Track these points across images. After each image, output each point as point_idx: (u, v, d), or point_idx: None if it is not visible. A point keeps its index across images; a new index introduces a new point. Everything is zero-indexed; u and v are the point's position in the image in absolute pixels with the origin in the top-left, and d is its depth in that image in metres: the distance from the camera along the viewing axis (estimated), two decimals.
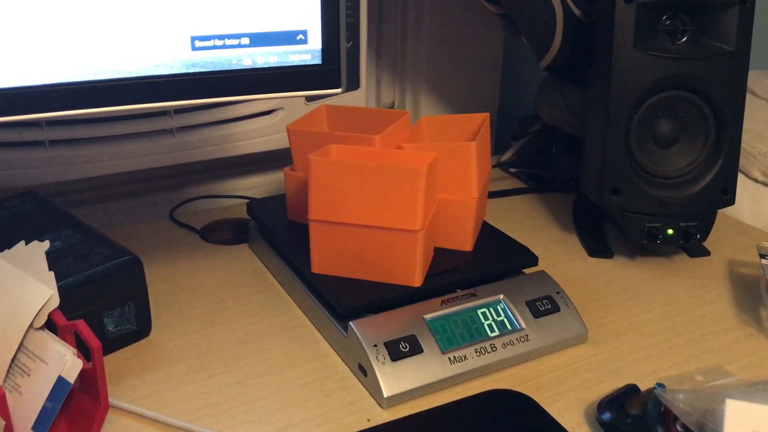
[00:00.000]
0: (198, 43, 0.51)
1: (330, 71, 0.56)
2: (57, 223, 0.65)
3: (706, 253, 0.80)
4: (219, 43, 0.52)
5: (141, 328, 0.63)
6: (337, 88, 0.58)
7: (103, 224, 0.70)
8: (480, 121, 0.73)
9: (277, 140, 0.93)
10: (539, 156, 1.00)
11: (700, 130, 0.76)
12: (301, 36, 0.54)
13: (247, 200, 0.90)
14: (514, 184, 0.99)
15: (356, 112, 0.75)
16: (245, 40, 0.52)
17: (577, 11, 0.81)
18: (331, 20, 0.54)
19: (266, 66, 0.54)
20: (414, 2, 0.99)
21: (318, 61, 0.56)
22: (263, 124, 0.91)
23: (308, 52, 0.55)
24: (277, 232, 0.73)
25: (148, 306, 0.63)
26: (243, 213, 0.86)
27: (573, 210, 0.90)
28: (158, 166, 0.86)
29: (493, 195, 0.93)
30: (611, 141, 0.74)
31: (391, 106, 1.08)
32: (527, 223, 0.88)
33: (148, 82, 0.50)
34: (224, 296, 0.71)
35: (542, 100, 0.99)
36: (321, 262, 0.64)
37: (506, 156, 1.03)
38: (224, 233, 0.84)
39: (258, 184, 0.95)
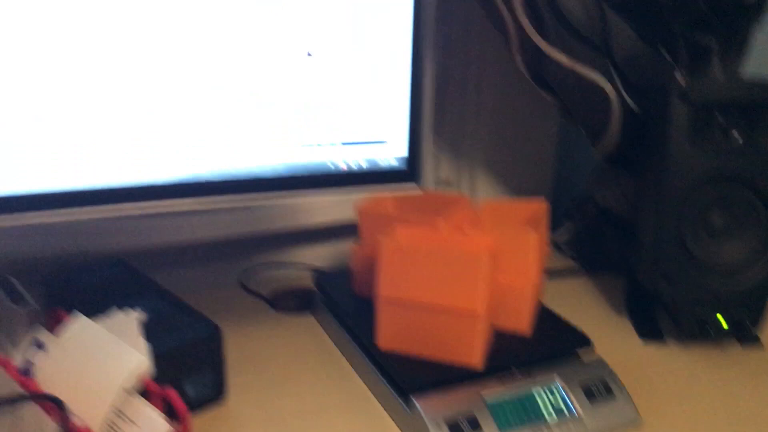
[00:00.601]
0: (302, 150, 0.57)
1: (410, 172, 0.62)
2: (144, 291, 0.70)
3: (758, 342, 0.82)
4: (319, 149, 0.58)
5: (217, 393, 0.67)
6: (415, 185, 0.63)
7: (175, 288, 0.75)
8: (537, 207, 0.77)
9: (339, 213, 0.98)
10: (592, 237, 1.03)
11: (752, 222, 0.78)
12: (387, 144, 0.60)
13: (312, 269, 0.95)
14: (566, 263, 1.02)
15: (420, 195, 0.80)
16: (341, 147, 0.59)
17: (632, 104, 0.85)
18: (415, 132, 0.60)
19: (358, 169, 0.60)
20: (473, 84, 1.04)
21: (401, 164, 0.61)
22: (329, 198, 0.96)
23: (394, 158, 0.61)
24: (343, 305, 0.77)
25: (225, 372, 0.67)
26: (306, 281, 0.91)
27: (625, 293, 0.93)
28: (230, 235, 0.92)
29: (546, 274, 0.96)
30: (664, 231, 0.77)
31: (448, 182, 1.13)
32: (579, 303, 0.90)
33: (257, 181, 0.57)
34: (291, 365, 0.75)
35: (596, 183, 1.03)
36: (386, 338, 0.68)
37: (559, 235, 1.06)
38: (290, 301, 0.88)
39: (320, 254, 1.00)
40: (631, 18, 0.84)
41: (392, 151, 0.62)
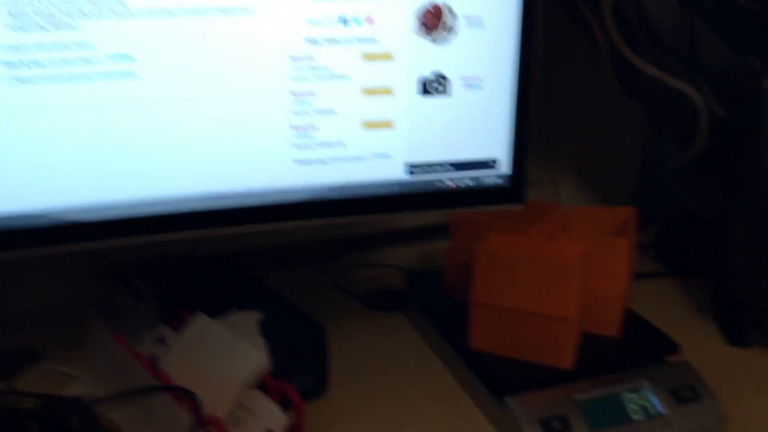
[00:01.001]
0: (412, 170, 0.62)
1: (514, 190, 0.66)
2: (253, 291, 0.76)
3: None
4: (429, 169, 0.62)
5: (321, 388, 0.72)
6: (521, 203, 0.66)
7: (276, 287, 0.80)
8: (624, 214, 0.80)
9: (424, 217, 1.02)
10: (677, 241, 1.04)
11: None
12: (493, 163, 0.64)
13: (400, 270, 1.00)
14: (651, 266, 1.04)
15: None
16: (449, 167, 0.63)
17: (721, 112, 0.86)
18: (518, 152, 0.63)
19: (464, 187, 0.64)
20: (559, 90, 1.07)
21: (505, 183, 0.65)
22: None
23: (498, 176, 0.64)
24: (435, 306, 0.81)
25: (328, 369, 0.72)
26: (396, 281, 0.95)
27: (711, 297, 0.94)
28: (328, 237, 0.97)
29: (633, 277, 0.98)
30: (754, 237, 0.78)
31: (530, 184, 1.15)
32: (665, 307, 0.92)
33: (373, 200, 0.62)
34: (387, 362, 0.79)
35: (682, 187, 1.04)
36: (480, 339, 0.71)
37: (644, 238, 1.08)
38: (382, 300, 0.93)
39: (409, 254, 1.04)
40: (721, 27, 0.84)
41: (497, 169, 0.66)
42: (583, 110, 1.08)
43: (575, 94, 1.06)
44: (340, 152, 0.61)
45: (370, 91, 0.59)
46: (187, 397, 0.58)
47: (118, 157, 0.57)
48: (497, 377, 0.68)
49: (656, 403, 0.68)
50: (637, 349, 0.73)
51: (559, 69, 1.06)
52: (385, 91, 0.59)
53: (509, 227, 0.75)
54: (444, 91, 0.61)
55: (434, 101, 0.61)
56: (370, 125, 0.60)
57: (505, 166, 0.65)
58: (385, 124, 0.60)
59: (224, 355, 0.62)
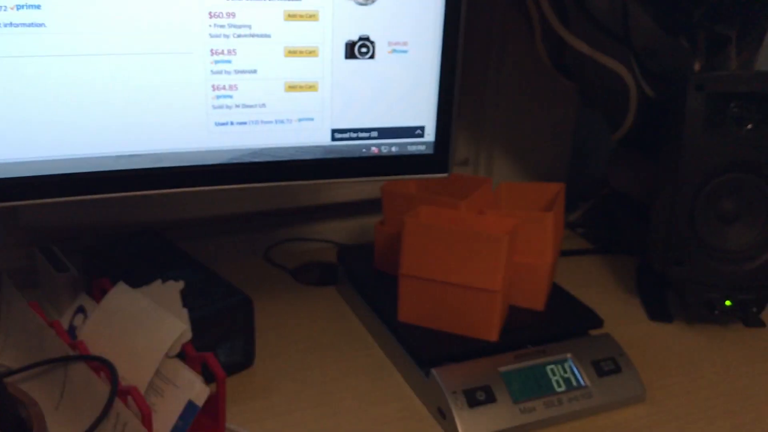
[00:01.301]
0: (337, 135, 0.61)
1: (440, 159, 0.65)
2: (179, 261, 0.74)
3: (762, 324, 0.85)
4: (353, 135, 0.61)
5: (246, 360, 0.71)
6: (445, 173, 0.66)
7: (204, 259, 0.79)
8: (555, 190, 0.81)
9: (362, 191, 1.02)
10: (606, 219, 1.06)
11: (761, 210, 0.81)
12: (419, 131, 0.63)
13: (333, 244, 0.99)
14: (580, 244, 1.06)
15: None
16: (374, 134, 0.62)
17: (650, 92, 0.88)
18: (444, 119, 0.63)
19: (389, 155, 0.63)
20: (494, 67, 1.07)
21: (431, 151, 0.65)
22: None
23: (423, 144, 0.64)
24: (365, 279, 0.81)
25: (254, 341, 0.71)
26: (328, 256, 0.95)
27: (636, 273, 0.96)
28: (257, 210, 0.96)
29: (561, 254, 1.00)
30: (677, 215, 0.80)
31: (465, 162, 1.16)
32: (592, 283, 0.94)
33: (295, 165, 0.61)
34: (315, 334, 0.79)
35: (613, 167, 1.06)
36: (407, 312, 0.71)
37: (574, 216, 1.10)
38: (313, 274, 0.92)
39: (342, 229, 1.04)
40: (652, 8, 0.86)
41: (423, 137, 0.65)
42: (518, 89, 1.08)
43: (511, 72, 1.07)
44: (261, 114, 0.59)
45: (294, 52, 0.57)
46: (103, 366, 0.57)
47: (27, 113, 0.54)
48: (423, 349, 0.68)
49: (578, 375, 0.69)
50: (562, 322, 0.74)
51: (495, 47, 1.06)
52: (310, 53, 0.58)
53: (439, 201, 0.75)
54: (370, 55, 0.60)
55: (360, 65, 0.60)
56: (293, 87, 0.59)
57: (431, 135, 0.65)
58: (309, 87, 0.59)
59: (145, 325, 0.61)
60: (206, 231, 0.96)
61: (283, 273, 0.92)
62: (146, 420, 0.53)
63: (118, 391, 0.55)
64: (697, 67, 0.88)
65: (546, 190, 0.82)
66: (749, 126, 0.80)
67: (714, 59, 0.91)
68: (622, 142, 0.94)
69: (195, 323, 0.64)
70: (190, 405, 0.57)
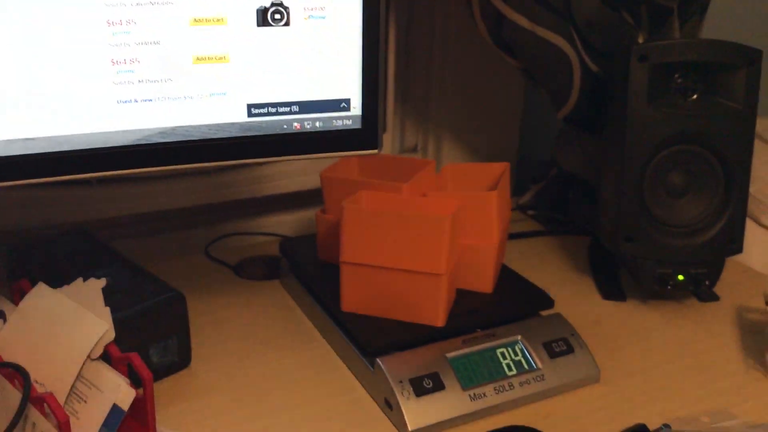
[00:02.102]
0: (254, 111, 0.57)
1: (368, 134, 0.62)
2: (106, 260, 0.70)
3: (716, 298, 0.84)
4: (272, 110, 0.57)
5: (182, 360, 0.67)
6: (374, 149, 0.63)
7: (140, 258, 0.75)
8: (500, 170, 0.78)
9: (305, 181, 0.98)
10: (556, 200, 1.05)
11: (709, 182, 0.80)
12: (344, 104, 0.60)
13: (277, 237, 0.96)
14: (532, 226, 1.03)
15: (385, 160, 0.80)
16: (295, 108, 0.58)
17: (593, 67, 0.86)
18: (370, 90, 0.60)
19: (312, 131, 0.59)
20: (439, 50, 1.05)
21: (358, 125, 0.61)
22: (292, 167, 0.96)
23: (350, 118, 0.61)
24: (308, 270, 0.78)
25: (189, 339, 0.68)
26: (273, 250, 0.91)
27: (588, 253, 0.95)
28: (195, 205, 0.92)
29: (511, 237, 0.98)
30: (625, 191, 0.78)
31: (414, 149, 1.13)
32: (544, 264, 0.92)
33: (209, 144, 0.56)
34: (257, 330, 0.75)
35: (560, 147, 1.04)
36: (350, 301, 0.68)
37: (524, 199, 1.08)
38: (256, 269, 0.88)
39: (286, 222, 1.00)
40: None
41: (348, 111, 0.62)
42: (464, 71, 1.06)
43: (457, 54, 1.04)
44: (168, 90, 0.55)
45: (200, 21, 0.53)
46: (16, 373, 0.53)
47: None
48: (368, 339, 0.65)
49: (530, 358, 0.66)
50: (511, 304, 0.72)
51: (438, 25, 1.03)
52: (217, 21, 0.54)
53: (381, 185, 0.72)
54: (285, 22, 0.56)
55: (274, 33, 0.56)
56: (201, 59, 0.55)
57: (357, 108, 0.61)
58: (219, 59, 0.55)
59: (65, 326, 0.57)
60: (141, 229, 0.92)
61: (225, 269, 0.88)
62: (63, 428, 0.49)
63: (34, 399, 0.51)
64: (640, 40, 0.86)
65: (491, 170, 0.79)
66: (694, 96, 0.79)
67: (657, 32, 0.89)
68: (568, 121, 0.92)
69: (122, 323, 0.60)
70: (115, 409, 0.54)
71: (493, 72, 1.08)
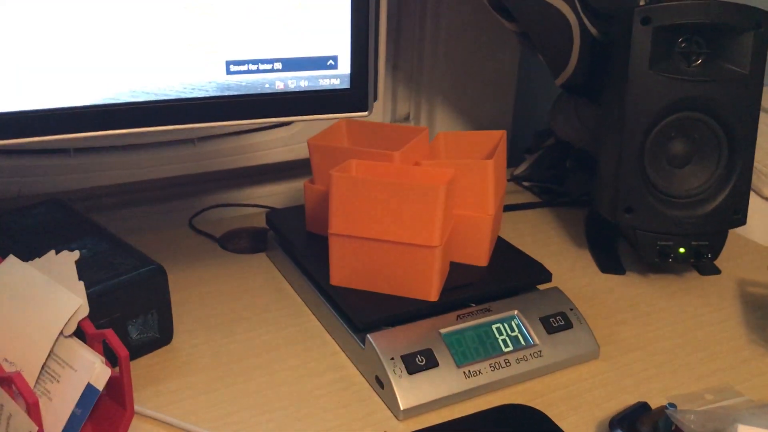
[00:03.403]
0: (233, 68, 0.53)
1: (357, 95, 0.58)
2: (82, 231, 0.66)
3: (717, 271, 0.81)
4: (253, 67, 0.53)
5: (163, 336, 0.64)
6: (364, 111, 0.59)
7: (121, 230, 0.71)
8: (497, 138, 0.75)
9: (295, 151, 0.95)
10: (553, 171, 1.01)
11: (713, 151, 0.77)
12: (331, 62, 0.56)
13: (264, 209, 0.92)
14: (528, 197, 1.00)
15: (375, 127, 0.77)
16: (278, 65, 0.54)
17: (593, 31, 0.82)
18: (360, 47, 0.56)
19: (297, 90, 0.56)
20: (431, 16, 1.01)
21: (347, 85, 0.57)
22: (281, 135, 0.93)
23: (337, 77, 0.57)
24: (296, 243, 0.75)
25: (171, 314, 0.64)
26: (260, 222, 0.88)
27: (585, 225, 0.92)
28: (178, 175, 0.88)
29: (506, 209, 0.95)
30: (625, 160, 0.75)
31: (407, 118, 1.10)
32: (540, 237, 0.89)
33: (184, 105, 0.52)
34: (243, 305, 0.72)
35: (557, 116, 1.00)
36: (339, 275, 0.65)
37: (520, 170, 1.04)
38: (242, 242, 0.85)
39: (275, 193, 0.97)
40: None
41: (336, 69, 0.57)
42: (458, 36, 1.02)
43: (450, 17, 1.00)
44: (137, 42, 0.51)
45: None
46: None
47: None
48: (358, 314, 0.62)
49: (526, 333, 0.64)
50: (507, 278, 0.69)
51: None
52: None
53: (372, 153, 0.69)
54: None
55: None
56: (174, 12, 0.50)
57: (345, 66, 0.58)
58: (197, 10, 0.51)
59: (36, 302, 0.53)
60: (123, 201, 0.88)
61: (210, 241, 0.85)
62: (32, 410, 0.46)
63: (1, 379, 0.47)
64: (641, 2, 0.83)
65: (486, 138, 0.76)
66: (698, 61, 0.75)
67: None
68: (567, 87, 0.89)
69: (97, 297, 0.57)
70: (90, 389, 0.50)
71: (487, 38, 1.04)
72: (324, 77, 0.56)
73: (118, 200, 0.88)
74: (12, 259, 0.57)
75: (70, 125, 0.51)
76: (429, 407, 0.58)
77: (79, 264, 0.57)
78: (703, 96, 0.74)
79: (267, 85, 0.55)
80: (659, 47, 0.74)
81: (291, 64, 0.55)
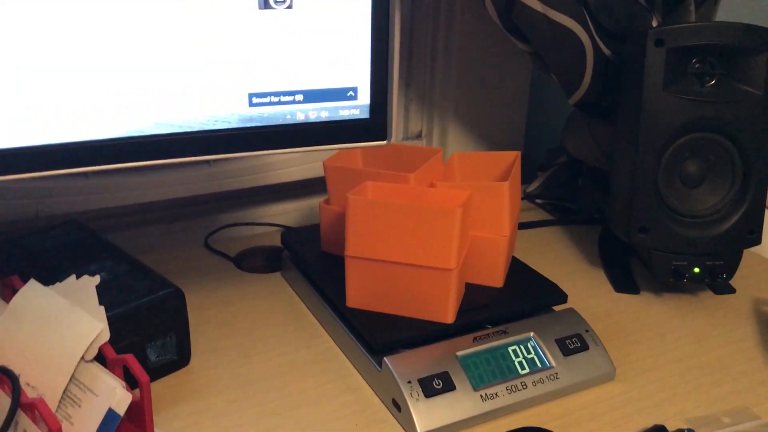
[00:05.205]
0: (255, 100, 0.54)
1: (377, 124, 0.59)
2: (101, 253, 0.67)
3: (732, 290, 0.81)
4: (275, 99, 0.54)
5: (181, 358, 0.65)
6: (383, 140, 0.60)
7: (138, 250, 0.72)
8: (511, 159, 0.75)
9: (309, 169, 0.95)
10: (565, 188, 1.02)
11: (727, 171, 0.77)
12: (351, 93, 0.56)
13: (279, 228, 0.93)
14: (540, 215, 1.01)
15: (390, 149, 0.77)
16: (299, 97, 0.55)
17: (607, 51, 0.83)
18: (379, 78, 0.56)
19: (318, 120, 0.56)
20: (443, 34, 1.01)
21: (366, 115, 0.58)
22: (295, 155, 0.93)
23: (357, 108, 0.57)
24: (311, 263, 0.75)
25: (189, 337, 0.65)
26: (274, 240, 0.89)
27: (599, 244, 0.92)
28: (194, 195, 0.89)
29: (519, 226, 0.95)
30: (639, 180, 0.75)
31: (419, 136, 1.10)
32: (553, 255, 0.89)
33: (207, 136, 0.53)
34: (259, 326, 0.72)
35: (569, 134, 1.01)
36: (356, 297, 0.66)
37: (532, 187, 1.05)
38: (257, 261, 0.86)
39: (288, 211, 0.97)
40: None
41: (356, 100, 0.58)
42: (470, 56, 1.03)
43: (462, 37, 1.01)
44: (162, 78, 0.52)
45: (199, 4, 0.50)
46: (5, 377, 0.50)
47: None
48: (375, 337, 0.62)
49: (543, 355, 0.64)
50: (523, 299, 0.69)
51: (443, 9, 1.00)
52: (213, 5, 0.50)
53: (387, 175, 0.69)
54: (287, 5, 0.52)
55: (277, 16, 0.53)
56: (200, 45, 0.51)
57: (365, 97, 0.58)
58: (219, 45, 0.52)
59: (57, 326, 0.54)
60: (138, 221, 0.89)
61: (225, 261, 0.85)
62: None
63: (24, 405, 0.48)
64: (654, 23, 0.83)
65: (501, 159, 0.76)
66: (712, 82, 0.75)
67: (671, 15, 0.86)
68: (580, 106, 0.89)
69: (117, 320, 0.57)
70: (111, 414, 0.51)
71: (499, 55, 1.05)
72: (344, 108, 0.57)
73: (135, 220, 0.89)
74: (33, 284, 0.57)
75: (95, 158, 0.52)
76: (446, 431, 0.58)
77: (99, 287, 0.57)
78: (717, 117, 0.75)
79: (288, 116, 0.55)
80: (673, 68, 0.74)
81: (312, 96, 0.55)
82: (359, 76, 0.56)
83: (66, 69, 0.52)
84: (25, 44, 0.50)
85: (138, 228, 0.88)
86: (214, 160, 0.87)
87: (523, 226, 0.96)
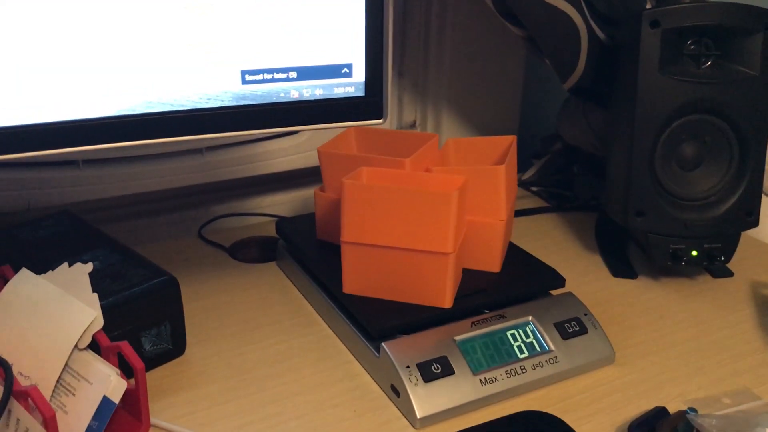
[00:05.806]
0: (248, 77, 0.53)
1: (372, 103, 0.58)
2: (93, 243, 0.66)
3: (730, 274, 0.81)
4: (268, 77, 0.53)
5: (176, 347, 0.64)
6: (379, 118, 0.59)
7: (131, 241, 0.71)
8: (507, 143, 0.75)
9: (303, 159, 0.94)
10: (561, 175, 1.01)
11: (724, 153, 0.76)
12: (345, 69, 0.56)
13: (274, 218, 0.92)
14: (536, 202, 1.00)
15: (384, 134, 0.77)
16: (293, 74, 0.54)
17: (601, 35, 0.82)
18: (374, 54, 0.56)
19: (312, 99, 0.55)
20: (436, 22, 1.00)
21: (361, 93, 0.57)
22: (289, 144, 0.93)
23: (352, 85, 0.57)
24: (307, 251, 0.74)
25: (184, 325, 0.64)
26: (269, 231, 0.88)
27: (595, 229, 0.91)
28: (187, 185, 0.88)
29: (515, 214, 0.94)
30: (636, 164, 0.75)
31: (413, 125, 1.09)
32: (550, 242, 0.89)
33: (199, 115, 0.52)
34: (254, 315, 0.72)
35: (564, 120, 1.00)
36: (352, 283, 0.65)
37: (528, 175, 1.04)
38: (252, 251, 0.85)
39: (283, 202, 0.97)
40: None
41: (351, 77, 0.57)
42: (463, 42, 1.02)
43: (455, 23, 1.00)
44: (152, 55, 0.51)
45: None
46: None
47: None
48: (372, 323, 0.62)
49: (542, 339, 0.63)
50: (521, 283, 0.68)
51: (440, 1, 0.99)
52: None
53: (382, 160, 0.68)
54: None
55: None
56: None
57: (360, 74, 0.57)
58: (210, 21, 0.51)
59: (51, 315, 0.53)
60: (132, 212, 0.88)
61: (219, 251, 0.85)
62: (50, 424, 0.46)
63: (17, 393, 0.47)
64: (648, 5, 0.82)
65: (496, 143, 0.75)
66: (707, 63, 0.75)
67: None
68: (575, 91, 0.89)
69: (111, 309, 0.57)
70: (105, 402, 0.50)
71: (493, 42, 1.04)
72: (338, 85, 0.56)
73: (128, 211, 0.88)
74: (25, 273, 0.57)
75: (84, 138, 0.51)
76: (445, 415, 0.58)
77: (92, 276, 0.57)
78: (713, 98, 0.74)
79: (282, 94, 0.55)
80: (668, 50, 0.73)
81: (306, 73, 0.55)
82: (354, 52, 0.56)
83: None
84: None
85: (131, 219, 0.87)
86: (208, 149, 0.86)
87: (519, 213, 0.95)
